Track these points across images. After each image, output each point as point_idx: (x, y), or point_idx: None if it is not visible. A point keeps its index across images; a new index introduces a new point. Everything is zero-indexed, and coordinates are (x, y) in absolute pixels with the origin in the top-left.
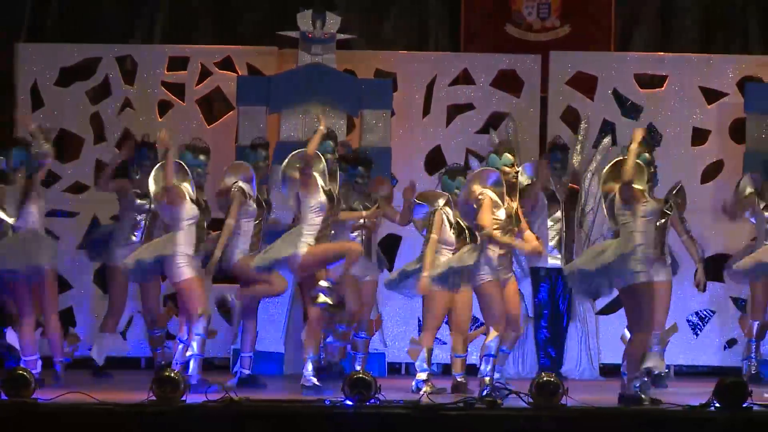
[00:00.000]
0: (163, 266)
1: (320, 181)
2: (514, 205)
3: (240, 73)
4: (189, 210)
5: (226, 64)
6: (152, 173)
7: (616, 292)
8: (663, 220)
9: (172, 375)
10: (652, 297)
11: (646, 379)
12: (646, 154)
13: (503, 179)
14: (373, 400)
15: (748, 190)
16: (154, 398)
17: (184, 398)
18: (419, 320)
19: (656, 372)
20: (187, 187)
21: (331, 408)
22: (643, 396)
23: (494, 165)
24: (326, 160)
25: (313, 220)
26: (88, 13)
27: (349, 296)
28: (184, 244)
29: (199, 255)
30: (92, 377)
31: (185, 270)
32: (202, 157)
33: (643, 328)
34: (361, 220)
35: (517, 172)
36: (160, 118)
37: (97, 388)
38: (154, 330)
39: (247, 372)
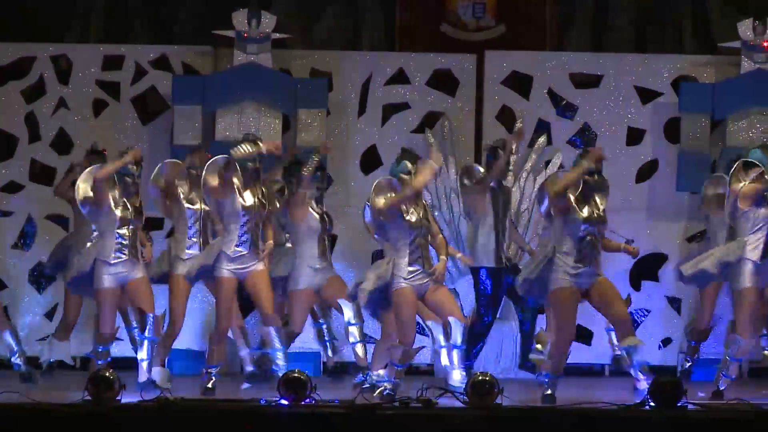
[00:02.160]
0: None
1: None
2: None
3: (175, 73)
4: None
5: (162, 63)
6: (81, 177)
7: None
8: None
9: (107, 374)
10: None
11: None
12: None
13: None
14: (308, 400)
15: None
16: (89, 398)
17: (119, 398)
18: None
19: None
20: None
21: (267, 407)
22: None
23: (392, 172)
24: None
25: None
26: (22, 11)
27: (295, 315)
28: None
29: (120, 260)
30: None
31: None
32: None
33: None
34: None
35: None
36: (95, 117)
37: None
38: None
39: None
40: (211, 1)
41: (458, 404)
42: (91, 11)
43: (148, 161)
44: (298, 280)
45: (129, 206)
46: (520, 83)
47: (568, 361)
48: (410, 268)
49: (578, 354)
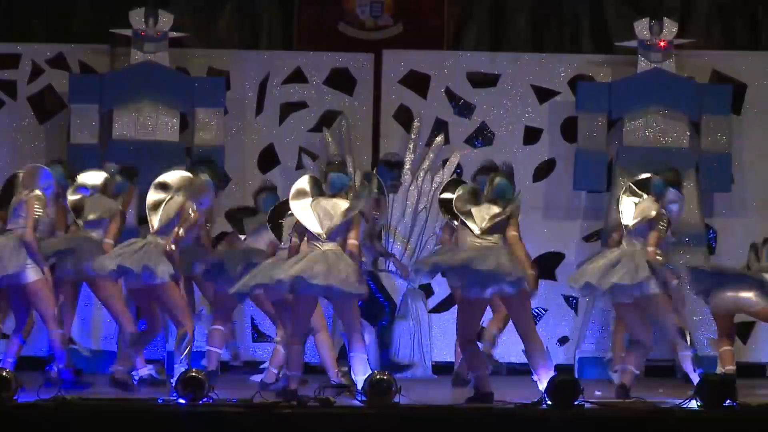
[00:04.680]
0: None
1: None
2: None
3: (72, 71)
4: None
5: (59, 61)
6: None
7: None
8: None
9: (3, 374)
10: None
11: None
12: None
13: None
14: (206, 399)
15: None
16: None
17: (16, 397)
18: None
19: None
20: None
21: (164, 406)
22: None
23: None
24: None
25: None
26: None
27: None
28: None
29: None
30: None
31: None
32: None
33: None
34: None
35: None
36: None
37: None
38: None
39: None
40: (108, 0)
41: (356, 403)
42: None
43: (45, 159)
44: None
45: None
46: (418, 82)
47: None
48: None
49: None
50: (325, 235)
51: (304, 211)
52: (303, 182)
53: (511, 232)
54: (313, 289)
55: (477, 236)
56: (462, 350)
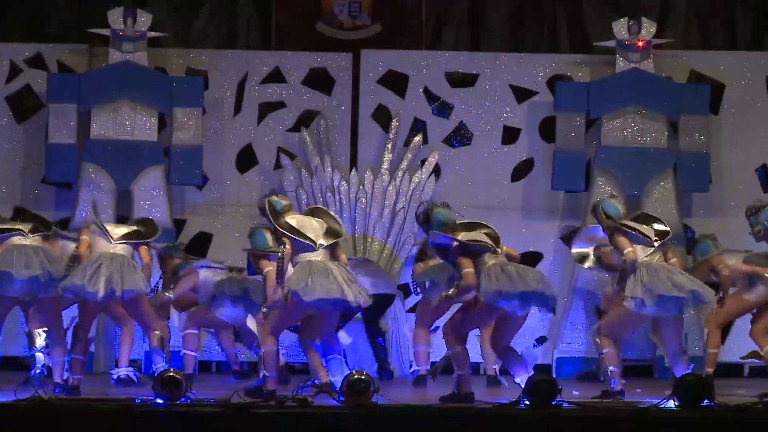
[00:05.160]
0: None
1: None
2: None
3: (50, 71)
4: None
5: (37, 61)
6: None
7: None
8: None
9: None
10: None
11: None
12: None
13: None
14: (183, 399)
15: None
16: None
17: None
18: None
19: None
20: None
21: (142, 406)
22: None
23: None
24: None
25: None
26: None
27: None
28: None
29: None
30: None
31: None
32: None
33: None
34: None
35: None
36: None
37: None
38: None
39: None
40: (87, 0)
41: (334, 403)
42: None
43: (23, 159)
44: None
45: None
46: (396, 82)
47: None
48: None
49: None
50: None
51: (300, 223)
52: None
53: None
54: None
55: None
56: (451, 346)
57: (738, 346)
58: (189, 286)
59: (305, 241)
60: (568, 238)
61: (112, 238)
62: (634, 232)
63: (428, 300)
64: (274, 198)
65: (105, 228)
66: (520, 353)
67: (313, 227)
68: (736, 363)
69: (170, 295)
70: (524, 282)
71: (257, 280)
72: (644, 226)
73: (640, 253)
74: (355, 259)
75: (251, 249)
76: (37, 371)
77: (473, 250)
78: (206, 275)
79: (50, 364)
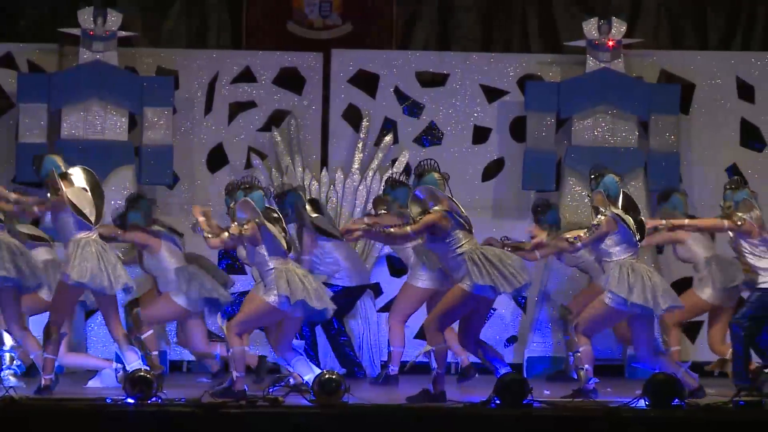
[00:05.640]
0: None
1: None
2: None
3: (20, 71)
4: None
5: (7, 61)
6: None
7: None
8: None
9: None
10: None
11: None
12: None
13: None
14: (154, 398)
15: None
16: None
17: None
18: None
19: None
20: None
21: (113, 406)
22: None
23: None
24: None
25: None
26: None
27: None
28: None
29: None
30: None
31: None
32: None
33: None
34: None
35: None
36: None
37: None
38: None
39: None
40: None
41: (305, 402)
42: None
43: None
44: None
45: None
46: (367, 82)
47: (417, 360)
48: None
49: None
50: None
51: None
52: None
53: None
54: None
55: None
56: (436, 342)
57: (707, 347)
58: (144, 239)
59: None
60: (540, 210)
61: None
62: (624, 226)
63: (410, 287)
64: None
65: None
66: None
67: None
68: (707, 362)
69: (120, 232)
70: (510, 272)
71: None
72: (630, 219)
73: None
74: (339, 240)
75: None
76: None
77: (453, 222)
78: (167, 252)
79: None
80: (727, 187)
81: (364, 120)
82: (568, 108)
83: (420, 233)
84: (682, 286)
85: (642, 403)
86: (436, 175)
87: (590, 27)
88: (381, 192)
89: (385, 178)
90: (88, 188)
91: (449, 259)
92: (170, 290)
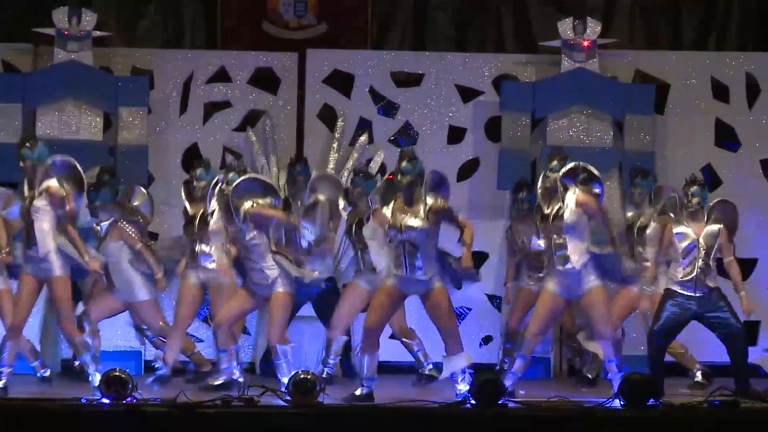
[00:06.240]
0: None
1: None
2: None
3: None
4: None
5: None
6: None
7: None
8: None
9: None
10: None
11: None
12: None
13: None
14: (129, 398)
15: None
16: None
17: None
18: None
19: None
20: None
21: (87, 406)
22: None
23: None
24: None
25: None
26: None
27: None
28: None
29: None
30: None
31: None
32: None
33: None
34: None
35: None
36: None
37: None
38: None
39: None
40: None
41: (280, 402)
42: None
43: None
44: None
45: None
46: (342, 82)
47: (389, 360)
48: None
49: (399, 352)
50: None
51: None
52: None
53: None
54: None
55: None
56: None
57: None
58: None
59: None
60: (518, 190)
61: None
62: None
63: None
64: None
65: None
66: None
67: None
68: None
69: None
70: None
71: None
72: None
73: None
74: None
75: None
76: None
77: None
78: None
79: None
80: (693, 182)
81: (339, 120)
82: (543, 108)
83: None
84: None
85: (617, 403)
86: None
87: (565, 27)
88: (351, 184)
89: (352, 171)
90: None
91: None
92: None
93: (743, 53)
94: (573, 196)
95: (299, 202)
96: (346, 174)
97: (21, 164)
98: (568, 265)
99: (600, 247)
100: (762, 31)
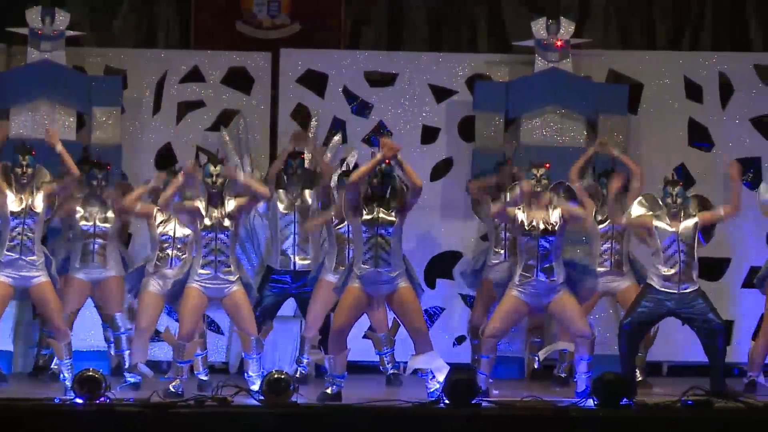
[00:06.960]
0: None
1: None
2: None
3: None
4: None
5: None
6: None
7: None
8: None
9: None
10: None
11: None
12: None
13: None
14: (103, 398)
15: None
16: None
17: None
18: None
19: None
20: None
21: (60, 406)
22: None
23: None
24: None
25: None
26: None
27: None
28: None
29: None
30: None
31: None
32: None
33: None
34: None
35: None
36: None
37: None
38: None
39: None
40: None
41: (254, 402)
42: None
43: None
44: None
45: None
46: (316, 81)
47: (362, 359)
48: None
49: (371, 352)
50: None
51: None
52: None
53: None
54: None
55: None
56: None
57: (656, 346)
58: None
59: None
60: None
61: None
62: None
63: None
64: None
65: None
66: None
67: None
68: (655, 362)
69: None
70: None
71: None
72: None
73: None
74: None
75: None
76: None
77: None
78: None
79: None
80: (672, 183)
81: (313, 119)
82: (517, 108)
83: None
84: None
85: (590, 402)
86: None
87: (539, 27)
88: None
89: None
90: None
91: None
92: None
93: (716, 53)
94: (558, 210)
95: (293, 194)
96: None
97: None
98: (553, 277)
99: (574, 252)
100: (735, 32)
